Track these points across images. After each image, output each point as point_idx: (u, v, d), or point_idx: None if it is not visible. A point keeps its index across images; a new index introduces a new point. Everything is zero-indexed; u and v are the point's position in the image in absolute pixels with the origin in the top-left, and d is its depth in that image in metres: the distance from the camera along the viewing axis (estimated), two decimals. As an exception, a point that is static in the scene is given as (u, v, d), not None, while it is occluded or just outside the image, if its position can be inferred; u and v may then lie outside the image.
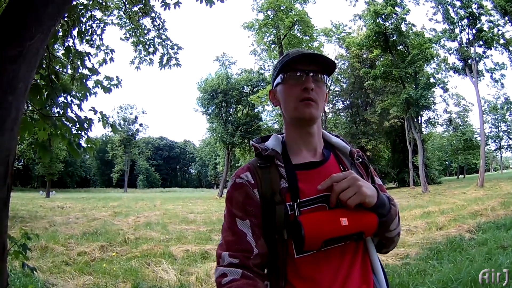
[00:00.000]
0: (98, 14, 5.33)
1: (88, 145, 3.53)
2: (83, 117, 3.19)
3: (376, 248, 1.20)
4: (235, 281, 1.04)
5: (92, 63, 4.10)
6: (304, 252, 1.07)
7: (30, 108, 3.00)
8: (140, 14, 5.97)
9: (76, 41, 4.00)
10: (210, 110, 41.92)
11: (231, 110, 42.82)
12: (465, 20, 27.29)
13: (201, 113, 43.08)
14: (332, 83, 44.92)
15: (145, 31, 6.22)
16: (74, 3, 3.93)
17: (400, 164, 40.38)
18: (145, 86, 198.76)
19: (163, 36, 6.29)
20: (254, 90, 40.71)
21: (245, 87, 42.60)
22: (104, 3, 5.14)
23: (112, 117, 68.52)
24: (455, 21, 27.72)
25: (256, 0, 31.72)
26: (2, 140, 1.85)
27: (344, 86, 44.77)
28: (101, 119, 3.42)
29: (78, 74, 3.81)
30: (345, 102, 45.75)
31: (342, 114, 46.17)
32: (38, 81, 3.00)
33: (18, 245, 2.84)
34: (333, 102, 46.43)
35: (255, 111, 42.89)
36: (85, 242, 8.18)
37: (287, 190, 1.13)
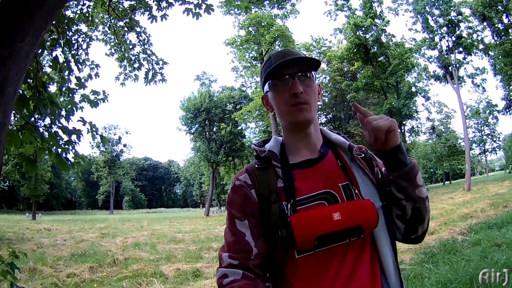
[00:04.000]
0: (84, 28, 5.28)
1: (76, 160, 3.45)
2: (71, 129, 3.10)
3: (409, 230, 1.15)
4: (235, 282, 1.04)
5: (79, 77, 4.05)
6: (302, 252, 1.06)
7: (17, 119, 2.90)
8: (126, 29, 5.93)
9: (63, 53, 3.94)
10: (194, 129, 41.83)
11: (215, 128, 42.84)
12: (445, 28, 28.19)
13: (184, 132, 42.95)
14: (314, 98, 45.30)
15: (130, 46, 6.17)
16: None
17: (386, 174, 40.67)
18: (127, 106, 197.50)
19: (148, 51, 6.23)
20: (237, 107, 40.84)
21: (227, 104, 42.73)
22: (90, 17, 5.08)
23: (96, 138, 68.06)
24: (434, 29, 28.59)
25: (238, 18, 32.22)
26: None
27: (326, 100, 45.19)
28: (90, 130, 3.34)
29: (65, 87, 3.74)
30: (328, 116, 45.89)
31: (325, 128, 46.48)
32: (26, 92, 2.92)
33: (6, 264, 2.71)
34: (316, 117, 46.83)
35: (238, 128, 43.02)
36: (73, 263, 8.01)
37: (282, 189, 1.13)
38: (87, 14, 4.98)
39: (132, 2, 5.21)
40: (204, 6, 4.34)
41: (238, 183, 1.19)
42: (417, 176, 1.09)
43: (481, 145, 49.12)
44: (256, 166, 1.21)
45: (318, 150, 1.24)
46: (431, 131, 49.32)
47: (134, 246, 11.27)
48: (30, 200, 42.94)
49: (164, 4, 4.74)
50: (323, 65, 43.43)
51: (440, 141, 50.07)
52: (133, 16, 5.48)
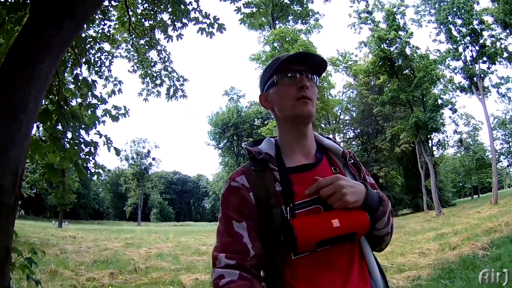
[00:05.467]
0: (106, 46, 5.68)
1: (95, 170, 3.74)
2: (89, 141, 3.39)
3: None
4: (232, 283, 1.04)
5: (100, 93, 4.38)
6: (299, 254, 1.10)
7: (41, 131, 3.21)
8: (147, 47, 6.30)
9: (85, 70, 4.29)
10: (222, 144, 42.12)
11: (243, 143, 42.91)
12: (468, 38, 27.56)
13: (213, 147, 43.33)
14: (341, 113, 45.08)
15: (152, 64, 6.54)
16: (84, 35, 4.26)
17: (414, 189, 39.24)
18: (158, 121, 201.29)
19: (169, 69, 6.57)
20: (265, 122, 40.91)
21: (255, 120, 42.75)
22: (111, 36, 5.47)
23: (125, 150, 69.53)
24: (457, 39, 27.99)
25: (262, 33, 32.71)
26: (12, 154, 2.07)
27: (354, 115, 44.66)
28: (105, 143, 3.62)
29: (87, 102, 4.07)
30: (356, 131, 45.21)
31: (353, 142, 45.46)
32: (50, 106, 3.24)
33: (24, 258, 3.00)
34: (344, 131, 46.25)
35: (268, 144, 42.97)
36: (95, 269, 8.21)
37: (281, 193, 1.15)
38: (108, 34, 5.34)
39: (152, 22, 5.55)
40: (216, 26, 4.61)
41: (235, 184, 1.20)
42: (378, 223, 1.19)
43: (509, 157, 46.77)
44: (252, 168, 1.22)
45: (314, 155, 1.27)
46: (458, 144, 47.71)
47: (157, 256, 11.31)
48: (57, 208, 43.32)
49: (179, 24, 5.05)
50: (350, 79, 43.18)
51: (468, 154, 48.41)
52: (153, 35, 5.82)
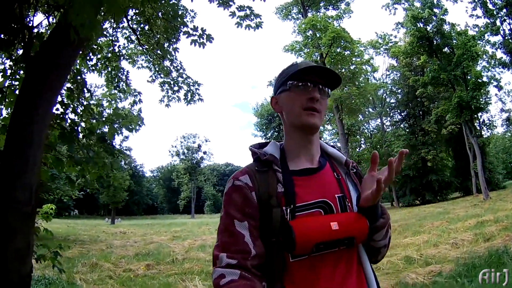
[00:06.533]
0: (124, 63, 6.42)
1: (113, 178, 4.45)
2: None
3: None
4: (233, 282, 1.04)
5: (116, 106, 5.05)
6: (297, 256, 1.10)
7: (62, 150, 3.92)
8: (160, 58, 6.96)
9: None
10: (269, 135, 42.45)
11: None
12: (504, 10, 25.64)
13: (260, 138, 43.84)
14: (387, 96, 43.80)
15: (168, 72, 7.18)
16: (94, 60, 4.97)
17: (464, 172, 36.95)
18: (208, 115, 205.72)
19: (184, 75, 7.19)
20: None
21: (300, 108, 42.67)
22: (123, 54, 6.18)
23: (176, 146, 72.24)
24: (494, 13, 26.11)
25: (296, 22, 32.61)
26: (25, 177, 2.79)
27: (399, 97, 43.34)
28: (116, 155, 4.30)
29: (104, 118, 4.74)
30: (402, 113, 43.86)
31: (401, 126, 43.90)
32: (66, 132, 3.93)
33: (51, 251, 3.82)
34: (391, 115, 44.97)
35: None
36: (135, 261, 8.95)
37: (283, 194, 1.16)
38: (119, 54, 6.07)
39: (157, 37, 6.19)
40: (205, 36, 5.21)
41: (238, 183, 1.19)
42: (377, 234, 1.20)
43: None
44: (256, 168, 1.23)
45: (317, 160, 1.29)
46: (507, 122, 44.39)
47: (198, 248, 11.78)
48: (109, 206, 45.35)
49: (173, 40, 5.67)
50: (393, 62, 41.78)
51: (518, 133, 45.03)
52: (162, 48, 6.45)
